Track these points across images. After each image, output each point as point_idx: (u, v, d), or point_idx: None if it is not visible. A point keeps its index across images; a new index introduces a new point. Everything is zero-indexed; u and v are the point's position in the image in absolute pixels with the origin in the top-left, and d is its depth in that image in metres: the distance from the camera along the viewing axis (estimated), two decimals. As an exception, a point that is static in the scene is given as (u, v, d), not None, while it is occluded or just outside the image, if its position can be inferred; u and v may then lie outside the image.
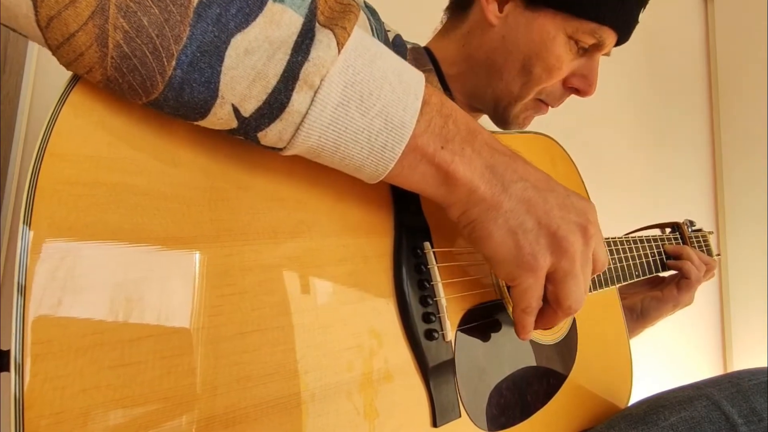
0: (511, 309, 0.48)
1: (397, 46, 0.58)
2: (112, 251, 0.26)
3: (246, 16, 0.26)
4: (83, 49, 0.24)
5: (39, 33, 0.24)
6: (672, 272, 0.76)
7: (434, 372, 0.39)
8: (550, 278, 0.38)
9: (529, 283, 0.37)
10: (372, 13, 0.52)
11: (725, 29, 1.73)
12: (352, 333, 0.35)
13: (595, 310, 0.60)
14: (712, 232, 0.90)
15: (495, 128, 0.68)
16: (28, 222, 0.24)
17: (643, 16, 0.63)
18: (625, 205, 1.42)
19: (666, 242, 0.77)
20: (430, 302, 0.40)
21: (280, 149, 0.30)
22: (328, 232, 0.36)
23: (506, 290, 0.49)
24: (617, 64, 1.44)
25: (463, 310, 0.44)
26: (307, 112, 0.28)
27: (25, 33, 0.25)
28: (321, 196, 0.36)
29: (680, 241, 0.80)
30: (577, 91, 0.63)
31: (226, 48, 0.26)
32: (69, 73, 0.27)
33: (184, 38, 0.25)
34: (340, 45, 0.28)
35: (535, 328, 0.40)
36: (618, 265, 0.64)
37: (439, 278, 0.41)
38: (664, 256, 0.75)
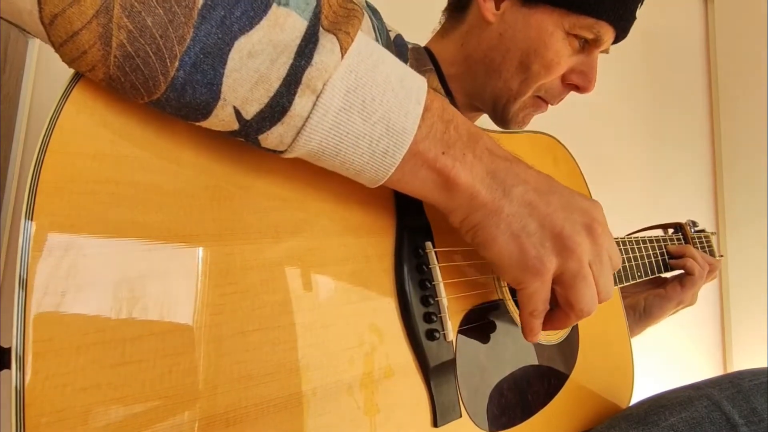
0: (511, 307, 0.48)
1: (399, 45, 0.58)
2: (114, 249, 0.26)
3: (250, 19, 0.26)
4: (86, 47, 0.24)
5: (42, 30, 0.24)
6: (676, 272, 0.76)
7: (435, 372, 0.39)
8: (559, 281, 0.37)
9: (535, 286, 0.36)
10: (374, 12, 0.52)
11: (725, 29, 1.73)
12: (354, 332, 0.35)
13: (597, 309, 0.60)
14: (715, 233, 0.90)
15: (496, 128, 0.68)
16: (30, 219, 0.24)
17: (643, 16, 0.63)
18: (625, 205, 1.42)
19: (669, 243, 0.77)
20: (432, 302, 0.40)
21: (281, 152, 0.30)
22: (330, 232, 0.36)
23: (508, 291, 0.49)
24: (617, 64, 1.44)
25: (464, 310, 0.44)
26: (308, 116, 0.28)
27: (28, 29, 0.25)
28: (323, 195, 0.36)
29: (683, 241, 0.80)
30: (577, 88, 0.63)
31: (230, 50, 0.26)
32: (69, 74, 0.27)
33: (188, 40, 0.25)
34: (343, 50, 0.28)
35: (546, 329, 0.40)
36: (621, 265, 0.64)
37: (440, 278, 0.41)
38: (666, 257, 0.75)
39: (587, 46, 0.61)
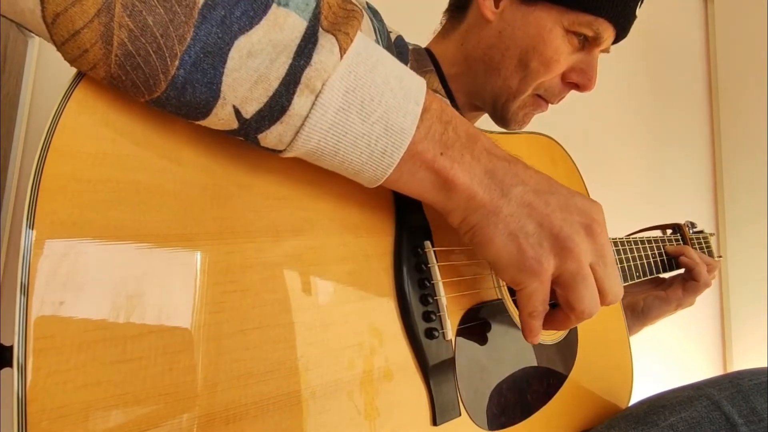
0: (510, 307, 0.48)
1: (399, 47, 0.58)
2: (115, 247, 0.26)
3: (250, 18, 0.26)
4: (88, 46, 0.25)
5: (44, 28, 0.24)
6: (675, 273, 0.76)
7: (434, 371, 0.39)
8: (558, 282, 0.37)
9: (534, 287, 0.36)
10: (374, 14, 0.52)
11: (725, 29, 1.73)
12: (353, 331, 0.35)
13: (595, 309, 0.60)
14: (713, 234, 0.90)
15: (496, 128, 0.68)
16: (31, 217, 0.24)
17: (643, 16, 0.63)
18: (625, 205, 1.42)
19: (667, 243, 0.77)
20: (431, 301, 0.40)
21: (280, 151, 0.30)
22: (330, 231, 0.36)
23: (507, 290, 0.49)
24: (618, 65, 1.45)
25: (463, 309, 0.44)
26: (307, 116, 0.28)
27: (30, 28, 0.25)
28: (323, 195, 0.36)
29: (681, 242, 0.80)
30: (577, 86, 0.63)
31: (230, 50, 0.26)
32: (70, 73, 0.27)
33: (188, 39, 0.25)
34: (342, 50, 0.28)
35: (547, 329, 0.40)
36: (619, 266, 0.64)
37: (439, 277, 0.41)
38: (665, 257, 0.75)
39: (587, 44, 0.61)
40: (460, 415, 0.40)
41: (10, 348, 0.23)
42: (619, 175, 1.49)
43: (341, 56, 0.28)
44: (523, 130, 0.67)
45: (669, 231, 0.82)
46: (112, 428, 0.25)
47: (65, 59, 0.26)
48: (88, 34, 0.24)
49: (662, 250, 0.75)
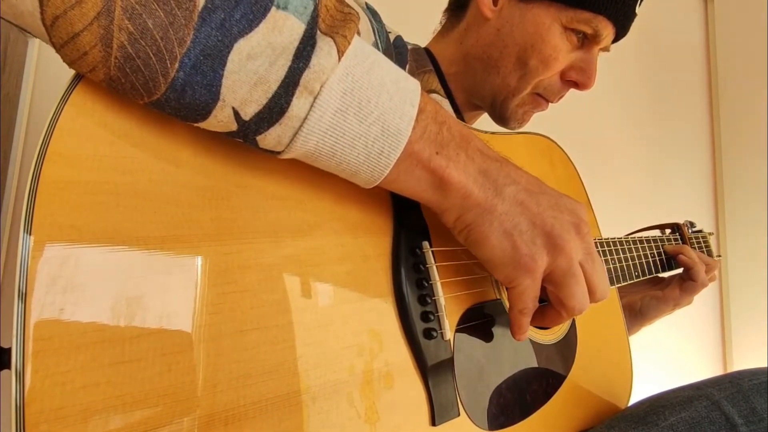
0: (508, 307, 0.48)
1: (398, 47, 0.58)
2: (113, 249, 0.26)
3: (249, 21, 0.26)
4: (87, 48, 0.25)
5: (44, 31, 0.25)
6: (673, 273, 0.76)
7: (433, 371, 0.39)
8: (550, 279, 0.38)
9: (526, 284, 0.37)
10: (373, 14, 0.52)
11: (725, 29, 1.73)
12: (352, 331, 0.35)
13: (595, 309, 0.60)
14: (712, 234, 0.90)
15: (496, 127, 0.68)
16: (29, 219, 0.24)
17: (643, 16, 0.63)
18: (625, 206, 1.42)
19: (666, 243, 0.77)
20: (429, 301, 0.40)
21: (278, 153, 0.31)
22: (328, 232, 0.36)
23: (505, 290, 0.49)
24: (617, 65, 1.44)
25: (461, 309, 0.44)
26: (306, 118, 0.28)
27: (29, 30, 0.25)
28: (321, 195, 0.36)
29: (680, 242, 0.80)
30: (576, 85, 0.63)
31: (229, 52, 0.26)
32: (70, 74, 0.27)
33: (188, 41, 0.25)
34: (340, 53, 0.29)
35: (538, 326, 0.40)
36: (618, 265, 0.64)
37: (437, 277, 0.41)
38: (663, 257, 0.75)
39: (586, 42, 0.60)
40: (459, 415, 0.40)
41: (9, 350, 0.23)
42: (618, 175, 1.49)
43: (339, 59, 0.29)
44: (522, 129, 0.67)
45: (668, 231, 0.82)
46: (111, 430, 0.25)
47: (64, 61, 0.26)
48: (87, 36, 0.24)
49: (661, 250, 0.75)
